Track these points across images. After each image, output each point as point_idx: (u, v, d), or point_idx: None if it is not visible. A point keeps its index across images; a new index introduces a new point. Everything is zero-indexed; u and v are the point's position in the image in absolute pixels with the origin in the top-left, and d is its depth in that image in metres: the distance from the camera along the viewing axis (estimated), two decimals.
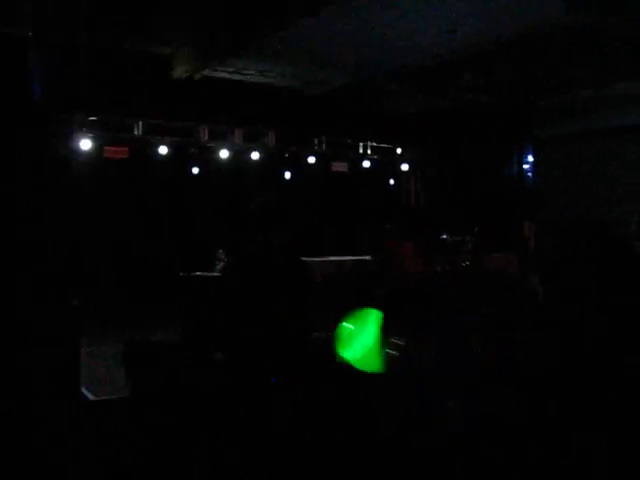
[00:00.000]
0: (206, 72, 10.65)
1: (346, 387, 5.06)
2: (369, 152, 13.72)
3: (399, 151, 14.17)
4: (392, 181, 14.33)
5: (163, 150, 11.32)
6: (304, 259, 4.54)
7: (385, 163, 14.09)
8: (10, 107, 5.00)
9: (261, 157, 12.31)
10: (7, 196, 4.67)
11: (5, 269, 4.70)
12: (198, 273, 8.70)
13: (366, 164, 13.59)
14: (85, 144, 10.23)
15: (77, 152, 9.72)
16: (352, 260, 10.07)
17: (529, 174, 13.02)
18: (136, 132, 11.16)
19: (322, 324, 8.41)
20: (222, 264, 9.01)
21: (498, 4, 7.74)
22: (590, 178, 13.07)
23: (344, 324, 5.24)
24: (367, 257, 9.55)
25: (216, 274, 8.64)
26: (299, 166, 12.80)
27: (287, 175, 12.70)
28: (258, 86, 11.60)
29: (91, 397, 5.50)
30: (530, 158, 12.94)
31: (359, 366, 5.00)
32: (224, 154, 11.92)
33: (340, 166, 13.40)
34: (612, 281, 4.96)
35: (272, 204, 4.44)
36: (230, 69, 10.77)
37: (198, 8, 8.49)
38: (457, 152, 13.49)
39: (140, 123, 11.15)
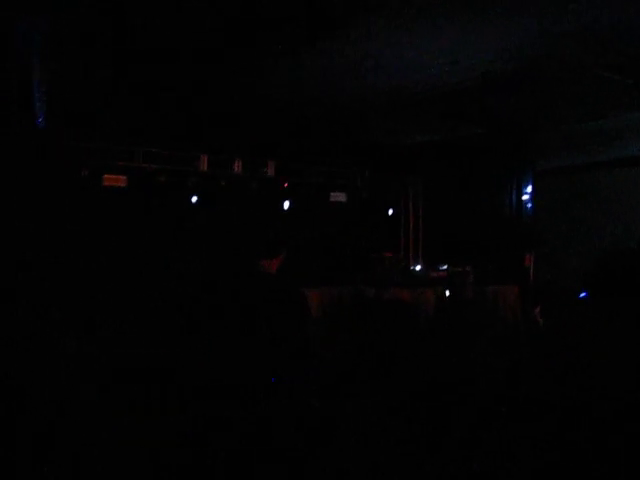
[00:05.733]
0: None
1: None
2: (368, 182, 13.73)
3: (398, 182, 14.19)
4: (391, 211, 14.32)
5: (162, 178, 11.31)
6: (300, 289, 4.50)
7: (384, 194, 14.10)
8: (16, 133, 5.01)
9: (260, 187, 12.31)
10: (13, 218, 4.64)
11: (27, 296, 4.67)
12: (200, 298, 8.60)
13: (365, 194, 13.60)
14: (84, 172, 10.18)
15: (77, 178, 9.69)
16: (349, 290, 9.96)
17: (528, 205, 13.03)
18: (135, 161, 11.15)
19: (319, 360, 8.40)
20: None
21: (490, 36, 7.80)
22: (590, 210, 13.10)
23: None
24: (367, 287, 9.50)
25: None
26: (298, 196, 12.81)
27: (286, 205, 12.69)
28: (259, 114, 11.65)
29: None
30: (529, 189, 12.96)
31: None
32: (223, 183, 11.93)
33: (339, 196, 13.41)
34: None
35: (267, 234, 4.45)
36: None
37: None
38: (457, 183, 13.51)
39: (141, 151, 11.15)
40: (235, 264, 9.52)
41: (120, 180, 10.89)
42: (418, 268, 12.82)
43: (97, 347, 4.78)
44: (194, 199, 11.89)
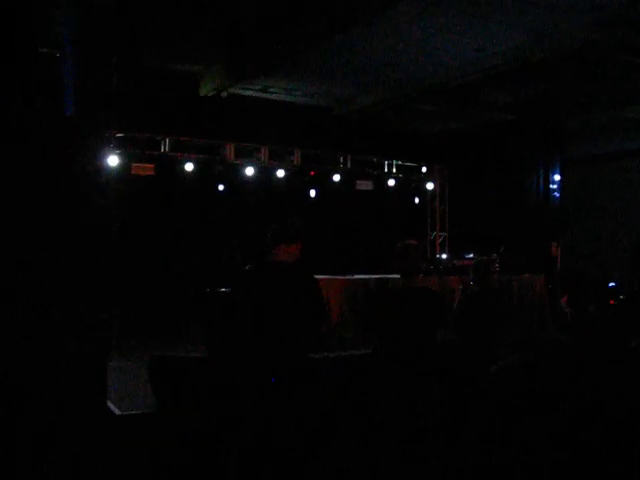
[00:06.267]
0: (233, 90, 10.73)
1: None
2: (394, 170, 13.71)
3: (424, 170, 14.15)
4: (417, 200, 14.28)
5: (189, 167, 11.39)
6: (316, 278, 4.48)
7: (410, 182, 14.07)
8: (46, 121, 5.05)
9: (286, 175, 12.34)
10: (42, 209, 4.69)
11: (37, 282, 4.72)
12: (224, 289, 8.69)
13: (391, 182, 13.59)
14: (113, 160, 10.29)
15: (107, 168, 9.80)
16: (374, 280, 9.97)
17: (555, 194, 12.92)
18: (163, 149, 11.24)
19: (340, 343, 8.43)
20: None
21: (526, 22, 7.74)
22: (618, 199, 12.95)
23: None
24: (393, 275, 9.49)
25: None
26: (324, 184, 12.82)
27: (312, 193, 12.71)
28: (285, 104, 11.67)
29: (117, 411, 5.47)
30: (557, 177, 12.84)
31: None
32: (250, 172, 11.96)
33: (365, 184, 13.39)
34: None
35: (287, 224, 4.44)
36: (257, 87, 10.84)
37: (229, 26, 8.55)
38: (483, 171, 13.43)
39: (167, 140, 11.23)
40: (254, 253, 9.59)
41: (148, 169, 10.99)
42: (444, 256, 12.78)
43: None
44: (220, 187, 11.96)
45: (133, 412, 5.59)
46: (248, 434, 4.16)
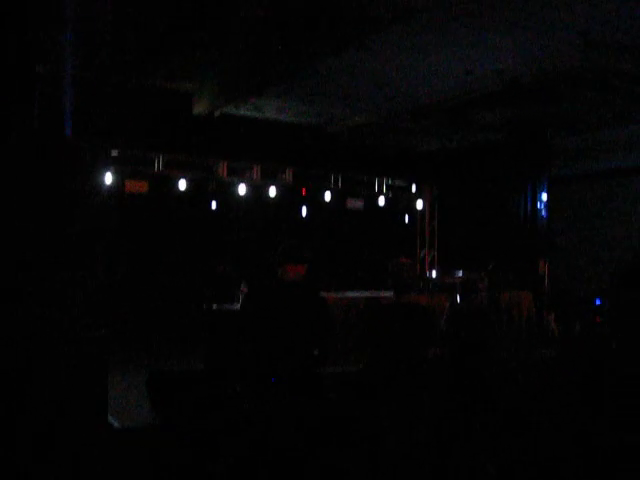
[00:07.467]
0: (226, 109, 10.87)
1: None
2: (384, 189, 13.89)
3: (414, 189, 14.34)
4: (407, 218, 14.46)
5: (182, 185, 11.51)
6: (321, 294, 4.64)
7: (400, 200, 14.25)
8: (45, 141, 5.17)
9: (278, 193, 12.48)
10: (42, 226, 4.80)
11: (36, 298, 4.81)
12: (218, 306, 8.80)
13: (381, 201, 13.75)
14: (107, 178, 10.39)
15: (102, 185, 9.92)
16: (365, 297, 10.10)
17: (543, 212, 13.11)
18: (156, 167, 11.36)
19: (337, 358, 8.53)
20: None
21: (515, 45, 7.94)
22: (605, 218, 13.16)
23: None
24: (383, 293, 9.64)
25: (238, 307, 8.75)
26: (315, 203, 12.98)
27: (304, 211, 12.86)
28: (277, 123, 11.82)
29: (117, 425, 5.55)
30: (544, 196, 13.04)
31: None
32: (242, 190, 12.10)
33: (356, 203, 13.56)
34: None
35: (289, 245, 4.59)
36: (250, 106, 10.99)
37: (223, 46, 8.72)
38: (472, 190, 13.63)
39: (160, 158, 11.35)
40: (258, 270, 9.70)
41: (141, 186, 11.10)
42: (434, 274, 12.93)
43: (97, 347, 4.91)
44: (213, 205, 12.08)
45: (132, 425, 5.68)
46: (246, 443, 4.27)
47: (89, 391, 4.77)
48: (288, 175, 12.70)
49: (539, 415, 5.02)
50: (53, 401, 4.62)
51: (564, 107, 10.57)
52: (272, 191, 12.41)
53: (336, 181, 13.23)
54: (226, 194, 12.14)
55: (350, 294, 10.18)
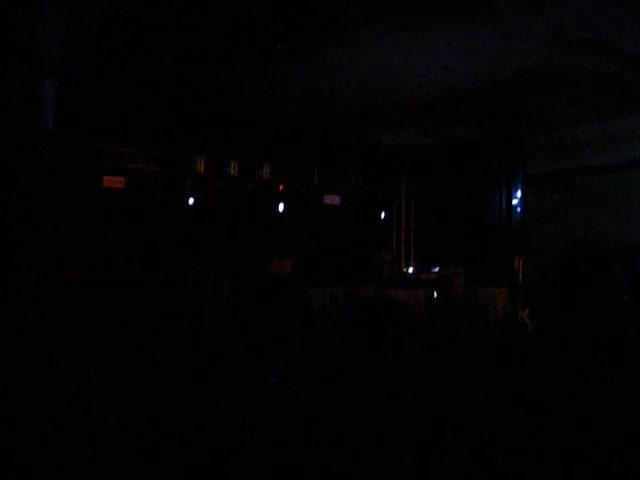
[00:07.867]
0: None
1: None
2: (361, 184, 13.96)
3: (391, 184, 14.43)
4: (384, 214, 14.54)
5: (160, 180, 11.47)
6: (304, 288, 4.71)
7: (377, 196, 14.32)
8: (28, 134, 5.19)
9: (255, 189, 12.51)
10: (23, 217, 4.82)
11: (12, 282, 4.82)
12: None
13: (358, 197, 13.83)
14: (84, 173, 10.32)
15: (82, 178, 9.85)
16: (344, 290, 10.15)
17: (518, 209, 13.27)
18: (134, 162, 11.30)
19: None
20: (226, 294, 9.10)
21: (485, 47, 8.06)
22: (579, 215, 13.33)
23: None
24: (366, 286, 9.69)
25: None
26: (293, 198, 13.01)
27: (281, 207, 12.89)
28: (255, 117, 11.83)
29: None
30: (519, 193, 13.20)
31: None
32: (220, 185, 12.10)
33: (333, 199, 13.61)
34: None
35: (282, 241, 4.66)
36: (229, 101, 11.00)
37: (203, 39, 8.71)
38: (449, 185, 13.75)
39: (138, 153, 11.30)
40: (242, 264, 9.70)
41: (119, 181, 11.05)
42: (410, 270, 13.03)
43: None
44: (191, 200, 12.06)
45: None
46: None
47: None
48: (266, 170, 12.71)
49: (512, 405, 5.11)
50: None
51: (541, 104, 10.71)
52: (249, 187, 12.42)
53: (312, 176, 13.26)
54: (204, 190, 12.11)
55: (327, 289, 10.23)
